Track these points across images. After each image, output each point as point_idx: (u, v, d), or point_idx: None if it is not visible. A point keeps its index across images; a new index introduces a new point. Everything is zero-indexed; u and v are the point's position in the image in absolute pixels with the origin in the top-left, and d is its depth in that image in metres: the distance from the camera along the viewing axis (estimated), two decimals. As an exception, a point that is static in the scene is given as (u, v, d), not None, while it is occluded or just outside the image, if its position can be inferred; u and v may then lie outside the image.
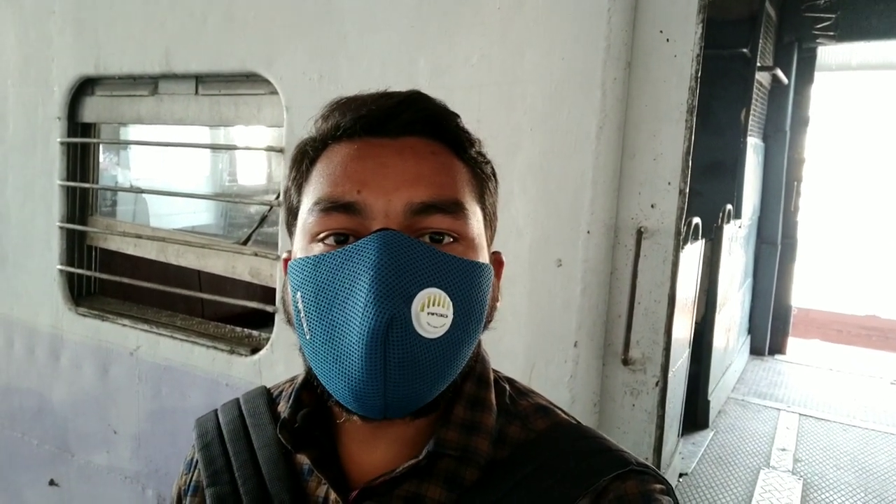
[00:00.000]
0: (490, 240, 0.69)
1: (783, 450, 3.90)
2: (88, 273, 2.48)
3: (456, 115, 0.66)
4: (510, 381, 0.73)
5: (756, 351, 5.66)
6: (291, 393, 0.69)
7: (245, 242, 2.12)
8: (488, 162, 0.69)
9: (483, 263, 0.63)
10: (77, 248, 2.48)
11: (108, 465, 2.43)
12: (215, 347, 2.11)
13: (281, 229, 1.93)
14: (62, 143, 2.40)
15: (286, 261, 0.66)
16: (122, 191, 3.83)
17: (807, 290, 8.20)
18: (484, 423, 0.65)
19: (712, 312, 4.05)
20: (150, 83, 2.25)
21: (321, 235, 0.60)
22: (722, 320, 4.28)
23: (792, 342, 5.88)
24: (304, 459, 0.67)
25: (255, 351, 2.04)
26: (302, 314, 0.60)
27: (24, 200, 2.55)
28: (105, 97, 2.37)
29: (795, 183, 5.56)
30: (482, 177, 0.67)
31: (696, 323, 3.63)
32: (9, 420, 2.72)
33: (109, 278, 2.46)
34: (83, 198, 2.49)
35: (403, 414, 0.59)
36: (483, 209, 0.66)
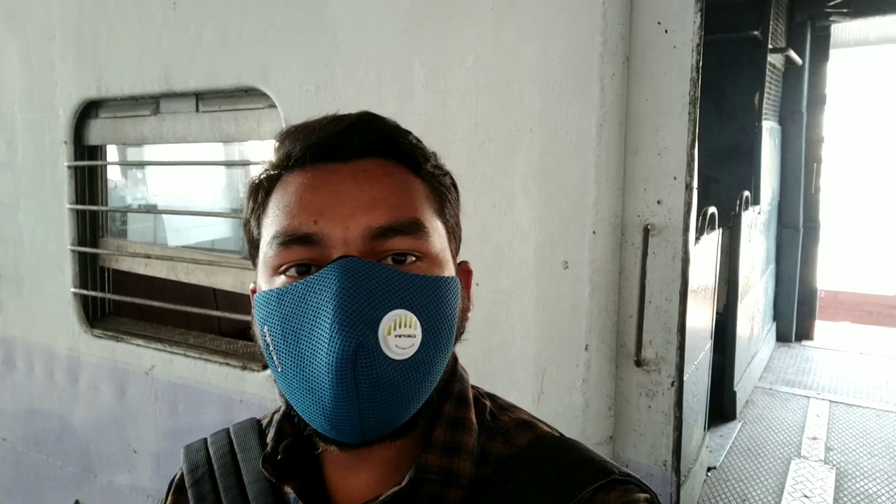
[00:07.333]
0: (455, 252, 0.68)
1: (814, 439, 3.80)
2: (101, 295, 2.50)
3: (408, 133, 0.66)
4: (491, 397, 0.73)
5: (782, 338, 5.54)
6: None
7: (252, 257, 2.11)
8: (447, 174, 0.68)
9: (447, 277, 0.62)
10: (90, 270, 2.50)
11: (130, 485, 2.44)
12: (228, 364, 2.11)
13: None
14: (69, 167, 2.41)
15: (254, 291, 0.66)
16: (131, 212, 3.85)
17: (835, 272, 8.02)
18: (465, 444, 0.65)
19: (734, 301, 3.97)
20: (152, 103, 2.26)
21: (282, 268, 0.60)
22: (745, 309, 4.20)
23: (820, 326, 5.74)
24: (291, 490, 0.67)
25: (266, 366, 2.03)
26: (271, 347, 0.60)
27: (35, 225, 2.57)
28: (109, 119, 2.39)
29: (815, 164, 5.44)
30: (441, 190, 0.66)
31: (718, 313, 3.56)
32: (34, 442, 2.75)
33: (121, 299, 2.47)
34: (93, 220, 2.50)
35: (382, 435, 0.58)
36: (444, 223, 0.65)
